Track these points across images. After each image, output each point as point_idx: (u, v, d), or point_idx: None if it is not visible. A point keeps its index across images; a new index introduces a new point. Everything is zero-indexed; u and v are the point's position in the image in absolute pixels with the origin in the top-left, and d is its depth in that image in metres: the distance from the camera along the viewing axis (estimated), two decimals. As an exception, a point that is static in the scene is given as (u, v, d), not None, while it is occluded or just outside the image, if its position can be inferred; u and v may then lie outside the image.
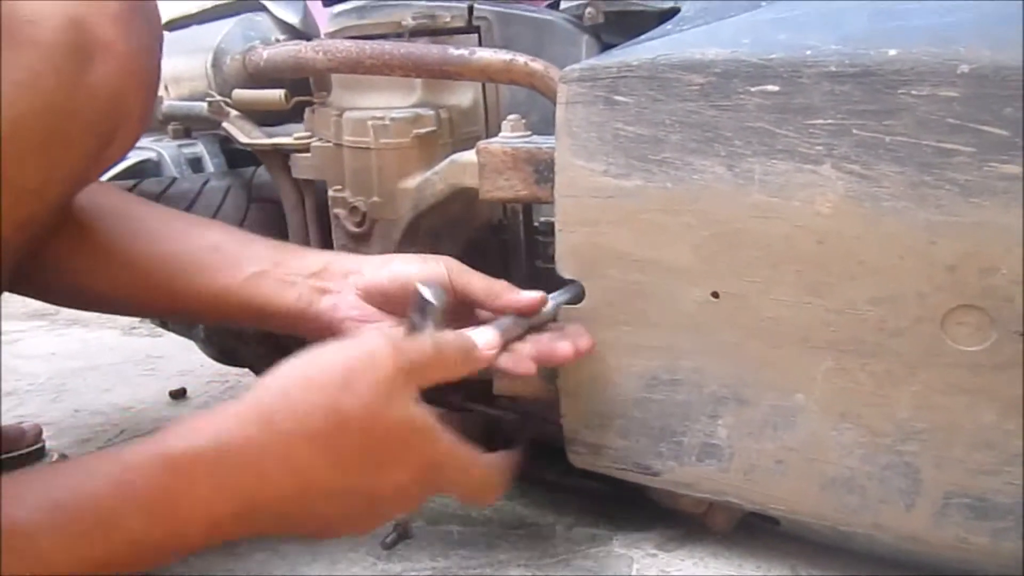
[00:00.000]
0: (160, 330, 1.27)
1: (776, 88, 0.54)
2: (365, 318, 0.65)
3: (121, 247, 0.65)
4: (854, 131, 0.52)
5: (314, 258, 0.67)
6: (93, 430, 1.01)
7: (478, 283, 0.63)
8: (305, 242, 0.87)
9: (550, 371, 0.68)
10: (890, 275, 0.53)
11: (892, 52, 0.51)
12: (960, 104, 0.49)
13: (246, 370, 1.04)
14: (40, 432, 0.94)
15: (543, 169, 0.65)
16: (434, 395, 0.78)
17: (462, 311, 0.65)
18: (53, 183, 0.45)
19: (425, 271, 0.64)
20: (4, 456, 0.89)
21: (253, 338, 0.94)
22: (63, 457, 0.89)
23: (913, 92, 0.50)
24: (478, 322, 0.63)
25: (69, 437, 0.98)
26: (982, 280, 0.51)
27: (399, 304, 0.63)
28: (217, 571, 0.68)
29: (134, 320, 1.40)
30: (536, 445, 0.82)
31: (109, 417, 1.05)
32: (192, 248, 0.65)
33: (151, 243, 0.65)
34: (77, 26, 0.42)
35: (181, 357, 1.23)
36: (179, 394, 1.11)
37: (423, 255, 0.66)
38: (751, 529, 0.69)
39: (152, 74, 0.48)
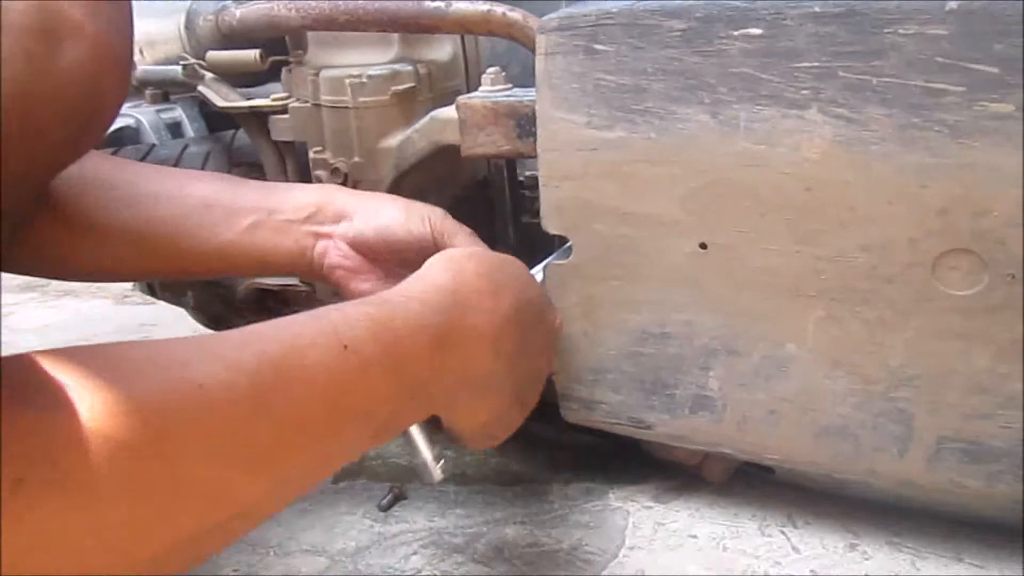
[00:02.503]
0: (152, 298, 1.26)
1: (759, 31, 0.52)
2: (354, 269, 0.65)
3: (114, 217, 0.64)
4: (840, 74, 0.50)
5: (306, 196, 0.66)
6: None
7: (461, 244, 0.63)
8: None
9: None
10: (880, 221, 0.52)
11: (878, -10, 0.49)
12: (949, 42, 0.47)
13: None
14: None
15: (525, 123, 0.64)
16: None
17: None
18: (33, 171, 0.44)
19: (409, 229, 0.63)
20: None
21: (243, 304, 0.93)
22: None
23: (900, 31, 0.48)
24: None
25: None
26: (974, 223, 0.50)
27: (385, 256, 0.64)
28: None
29: (126, 288, 1.39)
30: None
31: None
32: (185, 209, 0.64)
33: (146, 208, 0.64)
34: (44, 8, 0.41)
35: (174, 324, 1.23)
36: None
37: (413, 207, 0.65)
38: (747, 478, 0.70)
39: (125, 54, 0.46)
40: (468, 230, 0.65)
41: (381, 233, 0.64)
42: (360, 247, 0.65)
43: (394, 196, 0.68)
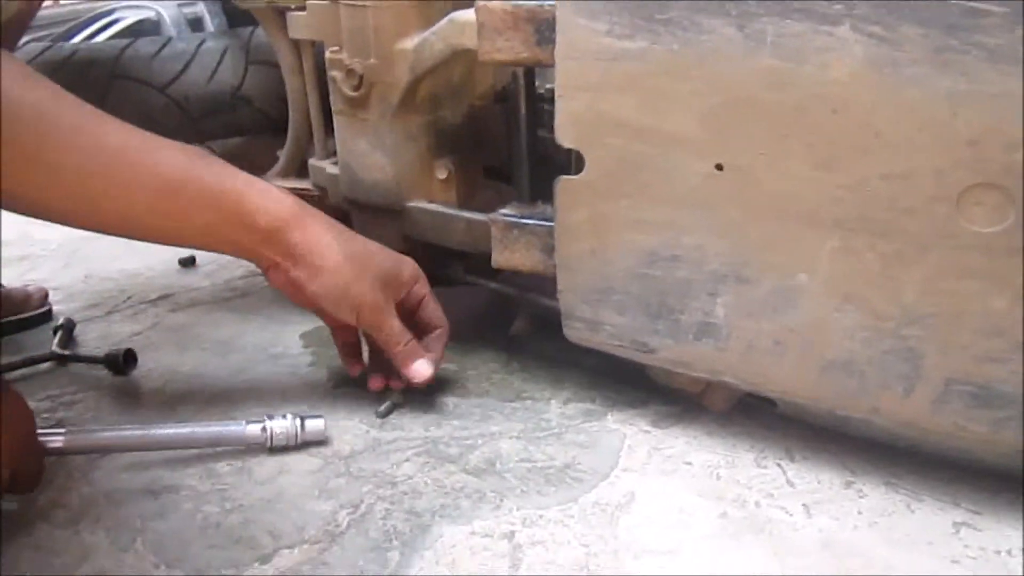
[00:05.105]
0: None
1: (795, -62, 0.49)
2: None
3: (86, 165, 0.58)
4: (877, -13, 0.48)
5: (275, 209, 0.64)
6: (101, 296, 1.01)
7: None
8: (304, 108, 0.84)
9: (549, 245, 0.66)
10: (906, 149, 0.50)
11: None
12: (997, -43, 0.44)
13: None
14: (46, 295, 0.94)
15: (544, 29, 0.61)
16: (436, 269, 0.77)
17: None
18: None
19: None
20: (10, 319, 0.90)
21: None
22: (69, 321, 0.89)
23: (945, -57, 0.45)
24: None
25: (78, 302, 0.99)
26: (1005, 156, 0.47)
27: None
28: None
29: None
30: (537, 319, 0.81)
31: (118, 283, 1.05)
32: (161, 185, 0.61)
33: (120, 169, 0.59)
34: None
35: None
36: (188, 262, 1.10)
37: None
38: (748, 409, 0.68)
39: None
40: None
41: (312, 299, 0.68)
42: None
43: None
